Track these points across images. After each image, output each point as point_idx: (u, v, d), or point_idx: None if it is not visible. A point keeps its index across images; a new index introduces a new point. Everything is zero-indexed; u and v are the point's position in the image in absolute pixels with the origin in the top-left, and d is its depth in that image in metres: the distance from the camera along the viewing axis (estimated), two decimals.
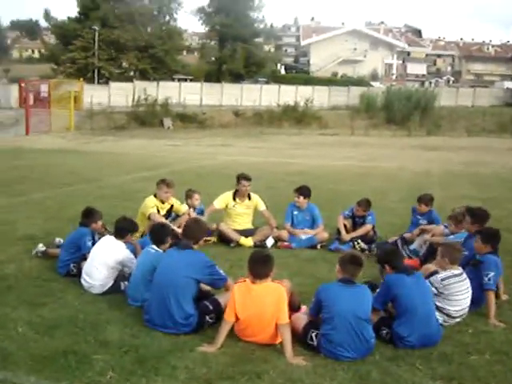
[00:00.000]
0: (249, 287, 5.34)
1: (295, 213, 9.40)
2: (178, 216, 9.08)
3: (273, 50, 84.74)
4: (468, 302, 6.07)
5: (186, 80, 55.97)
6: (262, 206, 9.42)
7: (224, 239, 9.16)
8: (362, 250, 8.73)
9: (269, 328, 5.29)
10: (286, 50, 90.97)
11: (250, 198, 9.36)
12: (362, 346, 5.12)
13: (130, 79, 50.81)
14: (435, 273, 6.20)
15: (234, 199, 9.28)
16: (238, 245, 9.00)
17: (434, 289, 5.97)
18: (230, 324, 5.36)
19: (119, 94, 43.73)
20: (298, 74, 71.75)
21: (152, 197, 8.85)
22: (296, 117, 45.38)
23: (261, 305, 5.27)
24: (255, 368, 4.83)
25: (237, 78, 59.22)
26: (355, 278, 5.36)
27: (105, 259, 6.60)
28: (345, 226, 9.32)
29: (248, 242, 9.03)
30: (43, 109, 37.00)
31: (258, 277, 5.27)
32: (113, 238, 6.85)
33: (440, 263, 6.17)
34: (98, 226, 7.61)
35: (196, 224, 6.14)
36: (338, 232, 9.23)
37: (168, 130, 39.92)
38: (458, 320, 6.02)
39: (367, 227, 9.15)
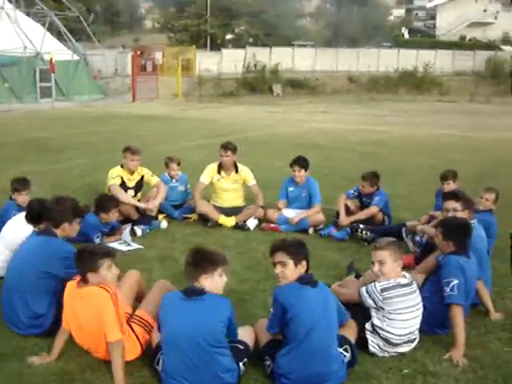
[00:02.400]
0: (74, 290, 4.01)
1: (291, 189, 7.83)
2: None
3: (403, 13, 79.96)
4: (417, 324, 4.26)
5: (305, 46, 54.07)
6: (250, 181, 7.96)
7: (203, 218, 7.79)
8: (365, 240, 6.95)
9: (102, 344, 3.92)
10: (417, 14, 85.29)
11: (237, 171, 7.88)
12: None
13: (242, 46, 49.98)
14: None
15: (219, 172, 7.85)
16: (218, 225, 7.58)
17: (370, 301, 4.23)
18: (66, 332, 4.14)
19: (230, 61, 43.08)
20: (423, 38, 66.94)
21: (118, 167, 7.72)
22: (414, 83, 42.38)
23: (82, 314, 3.92)
24: None
25: (353, 42, 56.27)
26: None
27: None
28: (348, 207, 7.56)
29: (229, 221, 7.65)
30: (152, 76, 37.19)
31: None
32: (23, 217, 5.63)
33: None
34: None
35: (56, 203, 4.85)
36: (337, 215, 7.50)
37: (277, 97, 38.71)
38: (399, 351, 4.25)
39: (371, 209, 7.37)
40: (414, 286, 4.29)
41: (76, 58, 34.35)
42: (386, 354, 4.26)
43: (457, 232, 4.63)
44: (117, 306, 3.92)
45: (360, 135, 18.30)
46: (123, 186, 7.68)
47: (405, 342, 4.26)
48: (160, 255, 6.53)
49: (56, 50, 32.08)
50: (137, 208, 7.58)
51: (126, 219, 7.55)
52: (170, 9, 60.39)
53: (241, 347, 4.00)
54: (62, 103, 31.11)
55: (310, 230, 7.44)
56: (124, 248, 6.76)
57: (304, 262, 3.92)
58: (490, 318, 4.90)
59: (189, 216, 7.97)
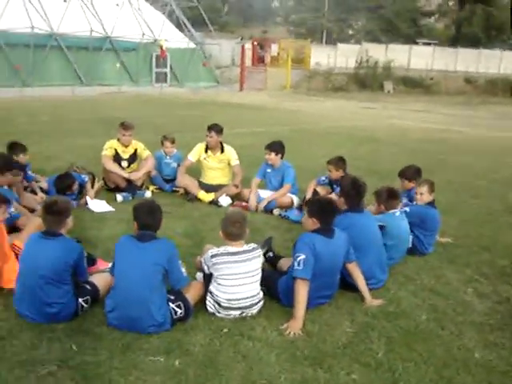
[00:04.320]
0: None
1: (268, 170, 8.17)
2: None
3: None
4: (249, 292, 4.58)
5: (429, 44, 52.31)
6: (234, 161, 8.39)
7: (187, 192, 8.38)
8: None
9: None
10: None
11: (222, 151, 8.35)
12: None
13: (357, 41, 49.44)
14: None
15: (206, 151, 8.38)
16: (198, 199, 8.13)
17: (205, 267, 4.63)
18: None
19: (344, 56, 42.91)
20: None
21: (114, 140, 8.48)
22: None
23: None
24: None
25: (475, 42, 53.32)
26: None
27: None
28: (317, 193, 7.79)
29: (206, 197, 8.17)
30: (262, 67, 38.09)
31: None
32: None
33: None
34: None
35: None
36: (304, 199, 7.75)
37: (387, 94, 38.05)
38: (235, 314, 4.58)
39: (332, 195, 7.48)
40: (249, 255, 4.55)
41: (192, 46, 35.96)
42: (222, 315, 4.57)
43: (319, 210, 4.82)
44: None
45: (426, 134, 17.83)
46: (117, 156, 8.41)
47: (240, 307, 4.53)
48: (121, 218, 7.14)
49: (172, 38, 33.88)
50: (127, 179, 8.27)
51: (115, 187, 8.27)
52: (288, 2, 61.04)
53: (88, 287, 4.53)
54: (175, 88, 32.91)
55: (275, 211, 7.72)
56: (95, 209, 7.46)
57: None
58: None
59: (177, 189, 8.52)
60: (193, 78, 35.26)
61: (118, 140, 8.39)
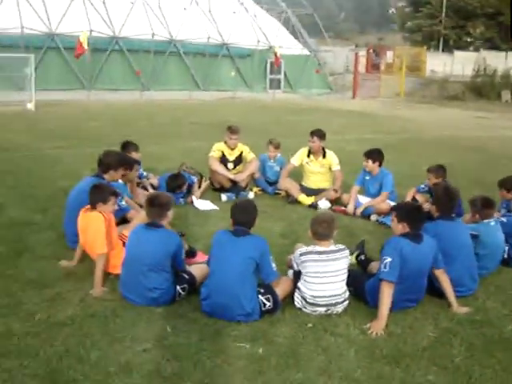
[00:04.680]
0: (83, 215, 5.37)
1: (367, 178, 8.32)
2: None
3: None
4: (335, 290, 4.81)
5: None
6: (335, 166, 8.62)
7: (288, 194, 8.73)
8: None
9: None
10: None
11: (324, 156, 8.62)
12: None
13: (476, 48, 47.52)
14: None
15: (309, 156, 8.69)
16: (297, 202, 8.47)
17: (295, 264, 4.94)
18: (81, 246, 5.54)
19: (460, 63, 41.53)
20: None
21: (221, 143, 8.97)
22: None
23: (86, 231, 5.28)
24: None
25: None
26: None
27: None
28: (416, 201, 7.86)
29: (306, 200, 8.46)
30: (376, 75, 37.81)
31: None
32: None
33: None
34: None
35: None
36: None
37: (505, 104, 36.43)
38: (320, 310, 4.85)
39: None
40: (336, 255, 4.78)
41: (306, 52, 36.39)
42: (308, 311, 4.83)
43: (408, 215, 4.97)
44: (109, 227, 5.16)
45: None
46: (224, 158, 8.89)
47: (325, 305, 4.77)
48: (224, 216, 7.55)
49: (287, 45, 34.48)
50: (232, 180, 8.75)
51: (221, 187, 8.77)
52: (405, 9, 59.85)
53: (186, 276, 4.96)
54: (288, 94, 33.50)
55: (373, 217, 7.86)
56: (201, 207, 7.97)
57: None
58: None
59: (279, 192, 8.87)
60: (306, 84, 35.64)
61: (225, 143, 8.85)
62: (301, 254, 4.78)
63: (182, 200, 8.10)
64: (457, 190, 5.74)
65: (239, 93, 31.00)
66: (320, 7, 78.90)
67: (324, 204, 8.22)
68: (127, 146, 8.02)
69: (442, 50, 49.68)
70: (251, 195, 8.67)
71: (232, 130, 8.69)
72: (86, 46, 22.44)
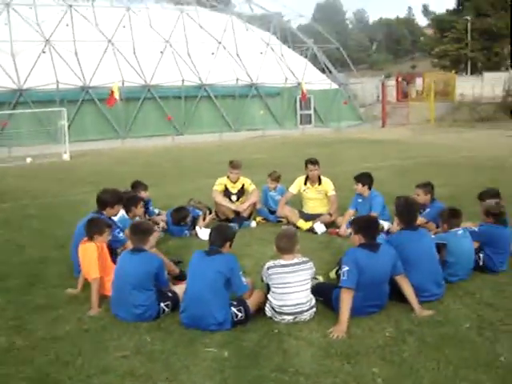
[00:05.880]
0: (82, 246, 6.11)
1: (359, 200, 8.84)
2: None
3: None
4: (299, 299, 5.34)
5: None
6: (330, 191, 9.16)
7: (289, 222, 9.30)
8: None
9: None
10: None
11: (320, 183, 9.20)
12: None
13: (506, 68, 47.34)
14: None
15: (306, 184, 9.27)
16: (296, 227, 9.01)
17: (264, 277, 5.52)
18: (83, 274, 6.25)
19: (490, 84, 41.49)
20: None
21: (224, 177, 9.63)
22: None
23: (83, 260, 6.02)
24: None
25: None
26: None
27: None
28: None
29: (304, 225, 9.00)
30: (404, 102, 38.15)
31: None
32: None
33: None
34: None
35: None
36: None
37: None
38: (288, 318, 5.38)
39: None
40: (299, 267, 5.32)
41: (335, 86, 37.14)
42: (277, 319, 5.37)
43: (361, 228, 5.49)
44: (101, 254, 5.85)
45: None
46: (227, 192, 9.56)
47: (292, 313, 5.30)
48: None
49: (315, 81, 35.34)
50: (234, 210, 9.37)
51: (225, 218, 9.40)
52: (424, 35, 60.49)
53: (169, 294, 5.59)
54: (319, 129, 34.19)
55: None
56: (204, 237, 8.60)
57: None
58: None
59: (281, 219, 9.45)
60: (336, 117, 36.22)
61: (228, 177, 9.50)
62: (268, 268, 5.34)
63: (187, 232, 8.75)
64: (416, 202, 6.20)
65: (270, 131, 31.82)
66: (350, 40, 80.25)
67: (319, 228, 8.72)
68: (136, 185, 8.78)
69: (471, 73, 49.71)
70: (253, 224, 9.27)
71: (233, 165, 9.35)
72: (117, 97, 23.69)
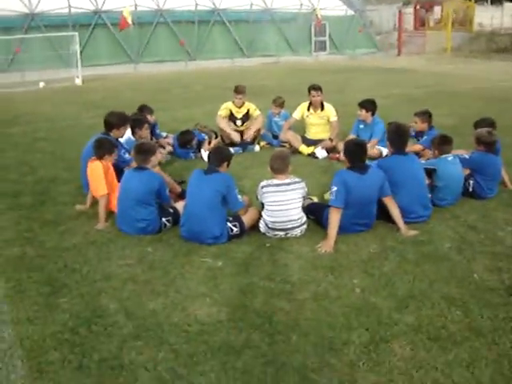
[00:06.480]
0: (89, 164, 6.46)
1: (361, 126, 9.07)
2: None
3: None
4: (290, 216, 5.69)
5: None
6: (332, 117, 9.36)
7: (291, 145, 9.56)
8: None
9: None
10: None
11: (322, 109, 9.39)
12: None
13: None
14: None
15: (308, 109, 9.47)
16: (298, 152, 9.28)
17: (259, 196, 5.86)
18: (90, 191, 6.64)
19: (510, 15, 40.41)
20: None
21: (229, 102, 9.85)
22: None
23: (91, 176, 6.41)
24: None
25: None
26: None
27: None
28: None
29: (306, 150, 9.26)
30: (421, 31, 37.41)
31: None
32: None
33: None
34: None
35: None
36: None
37: None
38: (280, 234, 5.75)
39: (414, 147, 8.22)
40: (290, 187, 5.65)
41: (350, 13, 36.39)
42: (270, 235, 5.75)
43: (350, 151, 5.78)
44: (106, 173, 6.20)
45: None
46: (232, 116, 9.79)
47: (283, 229, 5.67)
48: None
49: (330, 7, 34.64)
50: (239, 134, 9.64)
51: (230, 143, 9.69)
52: None
53: (170, 210, 5.97)
54: (334, 56, 33.80)
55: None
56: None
57: None
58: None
59: (284, 144, 9.72)
60: (351, 45, 35.67)
61: (233, 102, 9.72)
62: (262, 187, 5.68)
63: (192, 155, 9.08)
64: (407, 129, 6.44)
65: (284, 57, 31.52)
66: None
67: (321, 153, 9.00)
68: (143, 109, 9.05)
69: (491, 3, 48.23)
70: (257, 148, 9.56)
71: (238, 90, 9.55)
72: (129, 21, 23.53)
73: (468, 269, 5.04)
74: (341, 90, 17.27)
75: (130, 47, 27.58)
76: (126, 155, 6.98)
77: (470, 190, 6.85)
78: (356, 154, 5.71)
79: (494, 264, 5.13)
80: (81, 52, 22.44)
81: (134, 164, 6.82)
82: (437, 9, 41.54)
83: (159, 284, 4.79)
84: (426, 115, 8.22)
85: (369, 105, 8.72)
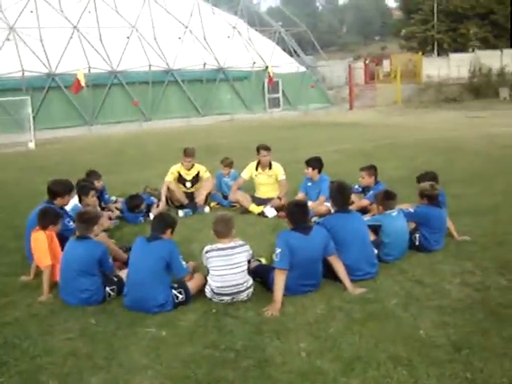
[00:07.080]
0: (34, 234, 6.33)
1: (309, 184, 9.17)
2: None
3: None
4: (236, 280, 5.64)
5: None
6: (281, 176, 9.46)
7: (241, 205, 9.58)
8: None
9: None
10: None
11: (270, 168, 9.48)
12: None
13: (470, 49, 48.12)
14: None
15: (257, 169, 9.55)
16: (248, 211, 9.29)
17: (203, 260, 5.81)
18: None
19: (456, 66, 42.20)
20: None
21: (178, 164, 9.87)
22: None
23: (35, 248, 6.28)
24: None
25: None
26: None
27: None
28: (352, 202, 8.63)
29: (256, 209, 9.28)
30: (371, 85, 38.61)
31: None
32: None
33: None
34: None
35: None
36: None
37: (503, 101, 36.92)
38: (226, 299, 5.68)
39: (362, 202, 8.32)
40: (235, 251, 5.62)
41: (302, 69, 37.40)
42: (216, 300, 5.68)
43: (291, 213, 5.81)
44: (51, 243, 6.08)
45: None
46: (182, 178, 9.80)
47: (229, 294, 5.60)
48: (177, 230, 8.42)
49: (283, 64, 35.55)
50: (189, 196, 9.63)
51: (180, 205, 9.66)
52: (393, 17, 60.88)
53: (114, 279, 5.86)
54: (287, 112, 34.48)
55: (314, 219, 8.63)
56: None
57: None
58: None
59: (235, 204, 9.74)
60: (305, 100, 36.58)
61: (182, 164, 9.75)
62: (206, 252, 5.65)
63: (141, 219, 9.01)
64: (348, 187, 6.55)
65: (238, 115, 32.02)
66: (321, 22, 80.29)
67: (270, 212, 9.04)
68: (90, 174, 9.01)
69: (438, 54, 50.34)
70: (207, 209, 9.55)
71: (186, 153, 9.62)
72: (83, 83, 23.65)
73: (414, 325, 5.04)
74: (294, 146, 17.54)
75: (85, 109, 27.65)
76: (71, 223, 6.89)
77: (417, 243, 6.92)
78: (297, 215, 5.75)
79: (440, 319, 5.14)
80: (35, 115, 22.47)
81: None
82: (386, 62, 42.99)
83: (101, 358, 4.66)
84: (372, 169, 8.39)
85: (315, 163, 8.86)
